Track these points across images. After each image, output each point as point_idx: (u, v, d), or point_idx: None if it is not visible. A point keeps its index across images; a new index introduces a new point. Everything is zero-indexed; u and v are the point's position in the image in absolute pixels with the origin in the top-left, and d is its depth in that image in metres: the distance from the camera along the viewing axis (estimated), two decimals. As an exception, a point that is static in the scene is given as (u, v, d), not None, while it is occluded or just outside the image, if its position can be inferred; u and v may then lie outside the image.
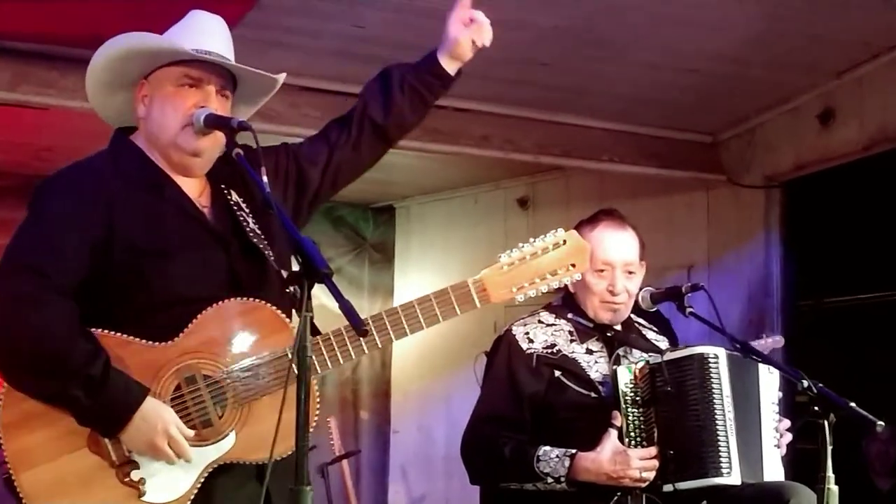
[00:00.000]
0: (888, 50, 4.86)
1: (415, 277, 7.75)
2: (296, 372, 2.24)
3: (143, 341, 2.59)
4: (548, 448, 3.34)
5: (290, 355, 2.49)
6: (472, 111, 5.37)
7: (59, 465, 2.53)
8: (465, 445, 3.51)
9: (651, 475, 3.29)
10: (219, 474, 2.61)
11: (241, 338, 2.61)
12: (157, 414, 2.54)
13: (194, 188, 2.78)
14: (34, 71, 4.38)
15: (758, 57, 4.87)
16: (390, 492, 7.61)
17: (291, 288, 2.69)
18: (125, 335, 2.58)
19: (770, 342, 3.50)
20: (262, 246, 2.76)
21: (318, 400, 2.62)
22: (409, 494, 7.50)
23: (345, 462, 6.58)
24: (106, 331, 2.58)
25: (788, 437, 3.47)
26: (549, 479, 3.30)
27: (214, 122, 2.66)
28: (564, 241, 2.74)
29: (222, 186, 2.81)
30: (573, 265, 2.74)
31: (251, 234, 2.75)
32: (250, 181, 2.71)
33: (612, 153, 5.78)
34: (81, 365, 2.50)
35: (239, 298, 2.64)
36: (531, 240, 2.73)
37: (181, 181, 2.75)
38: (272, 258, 2.74)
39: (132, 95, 2.76)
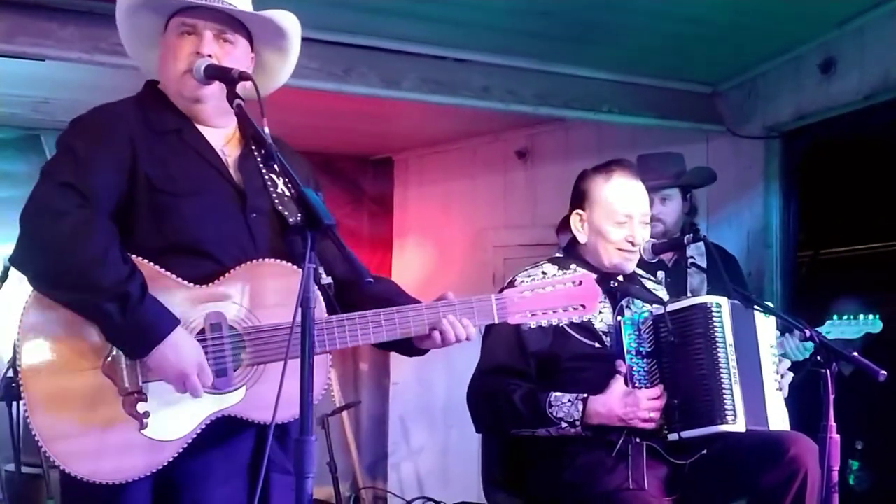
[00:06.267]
0: (890, -1, 4.83)
1: (413, 229, 7.74)
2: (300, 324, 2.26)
3: (178, 278, 2.58)
4: (558, 394, 3.37)
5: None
6: (472, 62, 5.32)
7: (68, 379, 2.51)
8: (471, 395, 3.53)
9: (657, 416, 3.32)
10: (217, 426, 2.62)
11: (272, 299, 2.61)
12: (191, 345, 2.55)
13: (218, 137, 2.79)
14: (32, 21, 4.31)
15: (758, 6, 4.83)
16: (390, 442, 7.65)
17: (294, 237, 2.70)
18: (160, 268, 2.57)
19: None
20: (282, 208, 2.75)
21: (329, 376, 2.70)
22: (408, 445, 7.54)
23: (345, 413, 6.62)
24: (143, 259, 2.57)
25: (790, 376, 3.49)
26: (564, 424, 3.34)
27: (214, 73, 2.68)
28: (581, 282, 2.90)
29: (253, 147, 2.79)
30: (583, 306, 2.89)
31: (275, 196, 2.76)
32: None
33: (611, 104, 5.75)
34: (119, 281, 2.48)
35: (277, 260, 2.66)
36: (552, 273, 2.98)
37: (205, 130, 2.77)
38: (292, 220, 2.73)
39: None
